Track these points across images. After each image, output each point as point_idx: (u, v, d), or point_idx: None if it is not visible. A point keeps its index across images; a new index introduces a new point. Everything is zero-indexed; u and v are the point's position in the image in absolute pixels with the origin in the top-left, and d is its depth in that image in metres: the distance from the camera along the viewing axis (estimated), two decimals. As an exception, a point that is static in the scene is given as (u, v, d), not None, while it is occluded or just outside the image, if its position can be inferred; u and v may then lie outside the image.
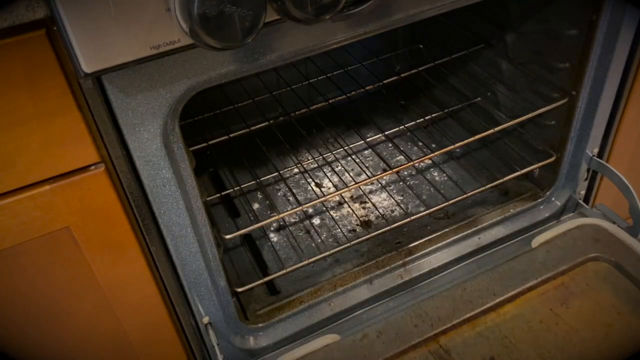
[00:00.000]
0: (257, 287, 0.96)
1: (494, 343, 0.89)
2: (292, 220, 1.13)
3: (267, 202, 1.17)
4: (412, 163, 1.02)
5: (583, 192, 1.08)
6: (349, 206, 1.15)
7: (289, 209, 1.14)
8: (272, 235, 1.11)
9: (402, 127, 1.21)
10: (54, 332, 0.75)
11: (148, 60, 0.53)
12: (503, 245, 1.06)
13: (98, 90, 0.58)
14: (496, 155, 1.18)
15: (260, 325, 0.93)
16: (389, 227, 1.00)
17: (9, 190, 0.60)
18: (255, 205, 1.17)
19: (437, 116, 1.22)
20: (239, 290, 0.91)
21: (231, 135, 0.99)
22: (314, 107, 1.18)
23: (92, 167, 0.63)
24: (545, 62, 0.99)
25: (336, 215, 1.14)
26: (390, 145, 1.27)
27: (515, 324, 0.91)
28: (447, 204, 1.03)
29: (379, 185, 1.19)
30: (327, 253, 0.96)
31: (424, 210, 1.02)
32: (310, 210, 1.15)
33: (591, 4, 0.83)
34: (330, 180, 1.21)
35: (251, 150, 0.97)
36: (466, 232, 1.04)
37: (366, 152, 1.27)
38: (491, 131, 1.01)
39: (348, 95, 1.20)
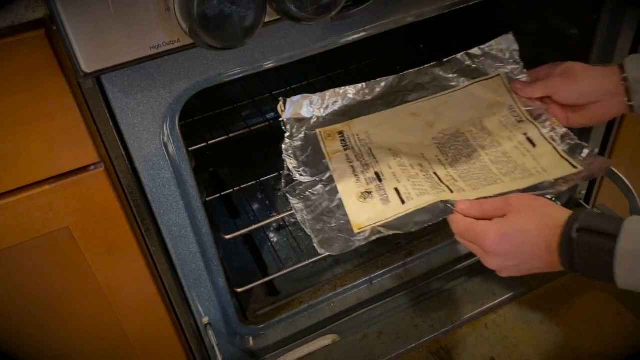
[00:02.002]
0: (256, 287, 0.96)
1: (494, 343, 0.89)
2: (292, 220, 1.13)
3: (267, 202, 1.17)
4: (412, 163, 1.02)
5: (584, 192, 1.07)
6: (349, 206, 1.15)
7: (289, 209, 1.14)
8: (272, 235, 1.11)
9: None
10: (53, 332, 0.75)
11: (148, 60, 0.53)
12: (503, 246, 1.06)
13: (98, 90, 0.58)
14: (496, 155, 1.18)
15: (260, 325, 0.93)
16: (389, 227, 1.00)
17: (9, 190, 0.60)
18: (255, 205, 1.16)
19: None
20: (239, 290, 0.91)
21: (231, 135, 0.99)
22: (314, 107, 1.18)
23: (92, 167, 0.63)
24: (546, 61, 0.98)
25: (336, 215, 1.14)
26: (390, 145, 1.28)
27: (516, 324, 0.91)
28: (447, 204, 1.03)
29: (379, 185, 1.19)
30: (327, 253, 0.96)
31: (424, 211, 1.02)
32: (310, 210, 1.15)
33: (592, 3, 0.83)
34: (330, 180, 1.20)
35: (251, 150, 0.97)
36: (466, 232, 1.04)
37: (366, 152, 1.28)
38: (491, 131, 1.01)
39: (348, 95, 1.20)
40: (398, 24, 0.69)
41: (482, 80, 0.88)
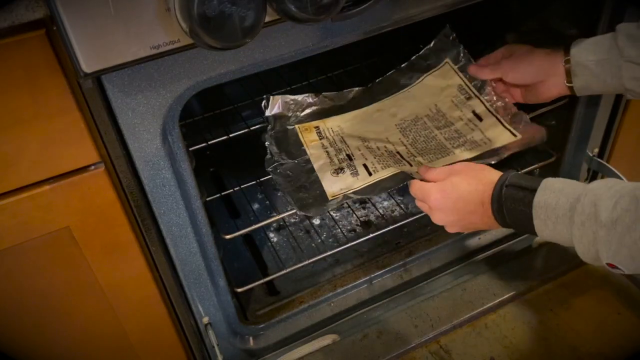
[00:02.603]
0: (257, 287, 0.96)
1: (494, 343, 0.89)
2: (292, 220, 1.13)
3: (267, 202, 1.17)
4: (412, 163, 1.02)
5: (583, 192, 1.07)
6: (349, 206, 1.15)
7: (289, 209, 1.14)
8: (272, 235, 1.11)
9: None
10: (53, 332, 0.75)
11: (148, 60, 0.53)
12: (503, 246, 1.06)
13: (98, 90, 0.58)
14: (496, 155, 1.18)
15: (260, 325, 0.93)
16: (389, 227, 1.00)
17: (9, 190, 0.60)
18: (255, 205, 1.16)
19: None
20: (239, 290, 0.91)
21: (231, 135, 0.99)
22: (314, 107, 1.18)
23: (92, 167, 0.63)
24: (546, 62, 0.99)
25: (336, 215, 1.14)
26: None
27: (516, 324, 0.91)
28: (447, 204, 1.03)
29: (379, 185, 1.19)
30: (327, 253, 0.96)
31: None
32: (311, 210, 1.15)
33: (592, 3, 0.83)
34: (331, 180, 1.21)
35: (251, 150, 0.97)
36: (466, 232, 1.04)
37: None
38: (491, 131, 1.01)
39: (348, 95, 1.20)
40: (398, 24, 0.69)
41: (434, 71, 1.02)
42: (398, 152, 0.89)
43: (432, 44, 1.04)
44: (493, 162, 0.84)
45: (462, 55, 1.00)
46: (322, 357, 0.89)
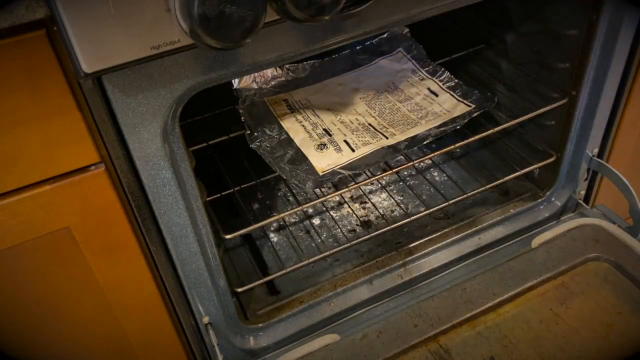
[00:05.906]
0: (257, 287, 0.96)
1: (494, 343, 0.89)
2: (292, 220, 1.13)
3: (267, 202, 1.17)
4: (412, 163, 1.02)
5: (583, 192, 1.07)
6: (349, 206, 1.15)
7: (289, 209, 1.14)
8: (272, 235, 1.11)
9: (402, 127, 1.22)
10: (53, 332, 0.75)
11: (148, 60, 0.53)
12: (503, 246, 1.06)
13: (98, 90, 0.58)
14: (496, 155, 1.18)
15: (260, 325, 0.93)
16: (389, 227, 1.00)
17: (9, 190, 0.60)
18: (255, 205, 1.16)
19: (437, 116, 1.22)
20: (239, 290, 0.91)
21: (231, 135, 0.99)
22: (314, 107, 1.18)
23: (92, 167, 0.63)
24: (545, 62, 0.99)
25: (336, 215, 1.14)
26: (390, 145, 1.29)
27: (515, 324, 0.91)
28: (447, 204, 1.03)
29: (379, 185, 1.19)
30: (327, 253, 0.96)
31: (424, 210, 1.02)
32: (310, 210, 1.15)
33: (591, 3, 0.83)
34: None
35: (251, 151, 0.98)
36: (466, 232, 1.04)
37: (366, 152, 1.29)
38: (491, 131, 1.01)
39: (348, 95, 1.20)
40: (398, 24, 0.69)
41: (387, 56, 1.16)
42: (370, 125, 0.98)
43: (385, 35, 1.17)
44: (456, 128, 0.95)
45: (414, 47, 1.14)
46: (322, 357, 0.89)
